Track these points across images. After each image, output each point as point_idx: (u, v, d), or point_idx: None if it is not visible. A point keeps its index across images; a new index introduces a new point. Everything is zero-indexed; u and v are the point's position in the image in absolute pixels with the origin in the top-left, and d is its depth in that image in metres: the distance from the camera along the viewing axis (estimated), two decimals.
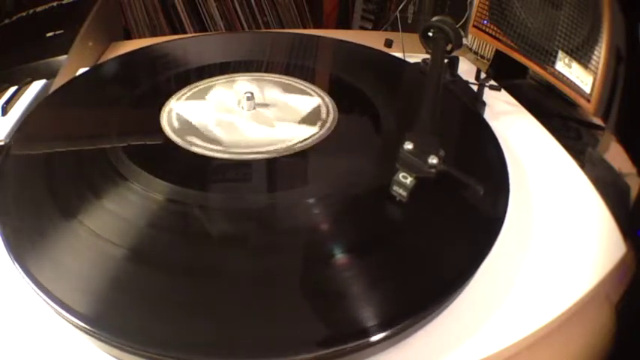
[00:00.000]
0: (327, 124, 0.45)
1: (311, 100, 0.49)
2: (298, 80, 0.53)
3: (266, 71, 0.55)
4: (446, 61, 0.51)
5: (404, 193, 0.35)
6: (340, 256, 0.33)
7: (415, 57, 0.61)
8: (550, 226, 0.40)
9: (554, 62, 0.51)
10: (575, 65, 0.49)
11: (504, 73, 0.60)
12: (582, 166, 0.47)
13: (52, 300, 0.30)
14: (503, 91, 0.55)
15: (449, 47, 0.49)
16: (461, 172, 0.36)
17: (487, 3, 0.58)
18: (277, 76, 0.54)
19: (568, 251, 0.38)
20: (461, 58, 0.60)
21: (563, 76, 0.50)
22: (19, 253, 0.33)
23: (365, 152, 0.43)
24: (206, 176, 0.40)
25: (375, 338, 0.28)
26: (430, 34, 0.49)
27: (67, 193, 0.38)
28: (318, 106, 0.48)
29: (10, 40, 0.66)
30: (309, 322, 0.29)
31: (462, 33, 0.50)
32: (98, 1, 0.71)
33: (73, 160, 0.41)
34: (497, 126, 0.48)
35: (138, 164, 0.39)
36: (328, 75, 0.58)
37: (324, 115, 0.47)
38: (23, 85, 0.54)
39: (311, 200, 0.37)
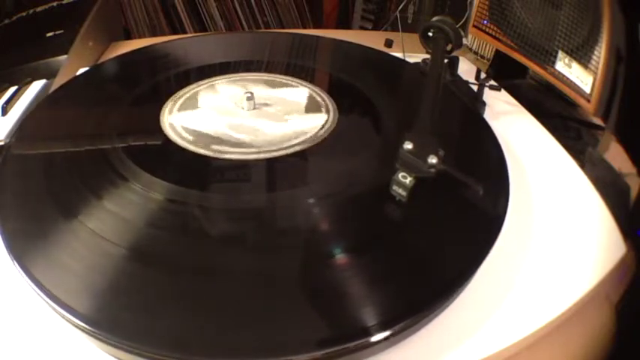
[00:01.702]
0: (327, 125, 0.45)
1: (311, 99, 0.49)
2: (298, 80, 0.53)
3: (266, 71, 0.55)
4: (446, 61, 0.51)
5: (403, 193, 0.35)
6: (340, 256, 0.33)
7: (415, 57, 0.61)
8: (550, 226, 0.40)
9: (554, 62, 0.51)
10: (575, 65, 0.49)
11: (504, 73, 0.60)
12: (582, 166, 0.47)
13: (52, 300, 0.30)
14: (503, 91, 0.55)
15: (449, 47, 0.49)
16: (460, 171, 0.36)
17: (487, 3, 0.58)
18: (277, 76, 0.54)
19: (568, 251, 0.38)
20: (461, 58, 0.60)
21: (563, 76, 0.50)
22: (19, 253, 0.32)
23: (365, 152, 0.43)
24: (206, 176, 0.40)
25: (375, 338, 0.28)
26: (430, 34, 0.49)
27: (67, 193, 0.37)
28: (318, 106, 0.48)
29: (10, 40, 0.66)
30: (309, 322, 0.29)
31: (462, 33, 0.50)
32: (98, 1, 0.71)
33: (73, 160, 0.41)
34: (497, 126, 0.48)
35: (138, 164, 0.39)
36: (328, 75, 0.58)
37: (323, 115, 0.47)
38: (23, 85, 0.54)
39: (311, 200, 0.37)
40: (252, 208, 0.37)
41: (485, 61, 0.68)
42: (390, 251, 0.34)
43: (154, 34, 1.07)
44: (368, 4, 1.12)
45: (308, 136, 0.44)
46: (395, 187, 0.35)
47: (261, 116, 0.46)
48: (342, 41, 0.64)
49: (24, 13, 0.70)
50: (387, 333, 0.29)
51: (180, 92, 0.50)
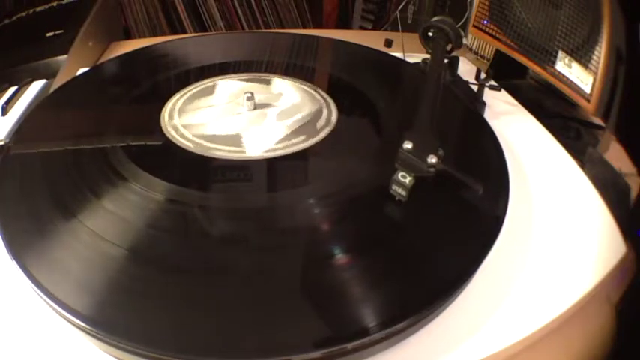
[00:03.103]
0: (328, 125, 0.45)
1: (311, 99, 0.49)
2: (298, 80, 0.53)
3: (266, 71, 0.55)
4: (446, 61, 0.51)
5: (403, 193, 0.35)
6: (340, 256, 0.33)
7: (415, 57, 0.61)
8: (550, 226, 0.40)
9: (554, 62, 0.51)
10: (575, 65, 0.49)
11: (504, 73, 0.60)
12: (582, 166, 0.47)
13: (52, 300, 0.30)
14: (503, 91, 0.55)
15: (449, 47, 0.49)
16: (460, 171, 0.36)
17: (487, 3, 0.58)
18: (277, 76, 0.54)
19: (568, 251, 0.38)
20: (461, 58, 0.60)
21: (563, 76, 0.50)
22: (19, 253, 0.32)
23: (365, 152, 0.43)
24: (206, 176, 0.41)
25: (375, 338, 0.28)
26: (430, 34, 0.49)
27: (67, 193, 0.37)
28: (319, 106, 0.48)
29: (10, 40, 0.66)
30: (309, 322, 0.29)
31: (462, 33, 0.50)
32: (98, 1, 0.71)
33: (73, 160, 0.41)
34: (497, 126, 0.48)
35: (138, 164, 0.39)
36: (328, 75, 0.58)
37: (324, 115, 0.47)
38: (23, 85, 0.54)
39: (311, 200, 0.37)
40: (252, 208, 0.37)
41: (485, 61, 0.68)
42: (389, 251, 0.34)
43: (154, 34, 1.07)
44: (368, 4, 1.12)
45: (308, 136, 0.44)
46: (395, 187, 0.35)
47: (261, 116, 0.46)
48: (342, 41, 0.64)
49: (24, 13, 0.70)
50: (386, 333, 0.29)
51: (181, 92, 0.50)
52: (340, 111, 0.47)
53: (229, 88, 0.51)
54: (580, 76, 0.48)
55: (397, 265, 0.33)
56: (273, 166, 0.41)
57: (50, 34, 0.63)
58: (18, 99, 0.52)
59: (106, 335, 0.28)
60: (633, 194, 0.44)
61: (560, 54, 0.50)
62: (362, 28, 1.13)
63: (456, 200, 0.38)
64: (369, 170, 0.40)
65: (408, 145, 0.36)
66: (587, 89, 0.47)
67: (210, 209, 0.37)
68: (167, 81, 0.54)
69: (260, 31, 1.09)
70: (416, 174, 0.35)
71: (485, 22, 0.59)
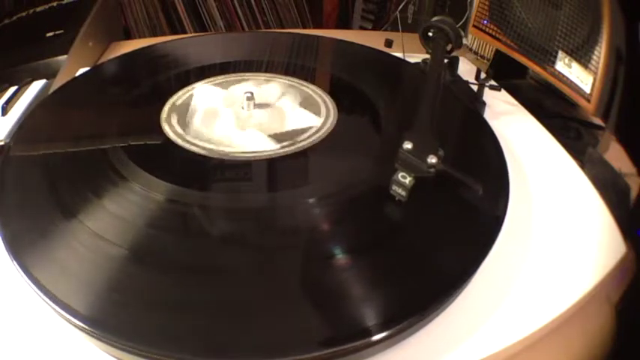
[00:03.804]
0: (327, 124, 0.45)
1: (311, 99, 0.49)
2: (298, 80, 0.53)
3: (266, 71, 0.55)
4: (446, 61, 0.51)
5: (403, 193, 0.35)
6: (340, 256, 0.33)
7: (415, 57, 0.61)
8: (550, 226, 0.40)
9: (554, 62, 0.51)
10: (575, 65, 0.49)
11: (504, 73, 0.60)
12: (582, 166, 0.47)
13: (52, 300, 0.30)
14: (503, 91, 0.55)
15: (449, 47, 0.49)
16: (460, 171, 0.36)
17: (487, 3, 0.58)
18: (277, 76, 0.54)
19: (568, 251, 0.38)
20: (461, 58, 0.60)
21: (563, 76, 0.50)
22: (19, 253, 0.32)
23: (365, 152, 0.43)
24: (206, 176, 0.41)
25: (375, 338, 0.28)
26: (430, 34, 0.49)
27: (67, 193, 0.37)
28: (318, 106, 0.48)
29: (10, 40, 0.66)
30: (309, 323, 0.29)
31: (462, 33, 0.50)
32: (98, 1, 0.71)
33: (73, 160, 0.41)
34: (497, 126, 0.48)
35: (138, 164, 0.39)
36: (328, 75, 0.58)
37: (324, 115, 0.47)
38: (23, 85, 0.54)
39: (311, 200, 0.37)
40: (252, 208, 0.37)
41: (485, 61, 0.68)
42: (389, 251, 0.34)
43: (154, 34, 1.07)
44: (368, 4, 1.12)
45: (308, 135, 0.44)
46: (395, 187, 0.35)
47: (261, 116, 0.46)
48: (342, 41, 0.64)
49: (24, 13, 0.70)
50: (386, 333, 0.29)
51: (181, 92, 0.50)
52: (340, 111, 0.47)
53: (229, 88, 0.51)
54: (580, 76, 0.48)
55: (397, 266, 0.33)
56: (273, 165, 0.41)
57: (50, 34, 0.63)
58: (18, 99, 0.51)
59: (106, 335, 0.28)
60: (633, 194, 0.44)
61: (560, 54, 0.50)
62: (362, 28, 1.13)
63: (456, 200, 0.38)
64: (369, 170, 0.40)
65: (408, 145, 0.36)
66: (587, 89, 0.47)
67: (210, 209, 0.37)
68: (167, 81, 0.54)
69: (260, 31, 1.09)
70: (416, 174, 0.35)
71: (485, 22, 0.59)
